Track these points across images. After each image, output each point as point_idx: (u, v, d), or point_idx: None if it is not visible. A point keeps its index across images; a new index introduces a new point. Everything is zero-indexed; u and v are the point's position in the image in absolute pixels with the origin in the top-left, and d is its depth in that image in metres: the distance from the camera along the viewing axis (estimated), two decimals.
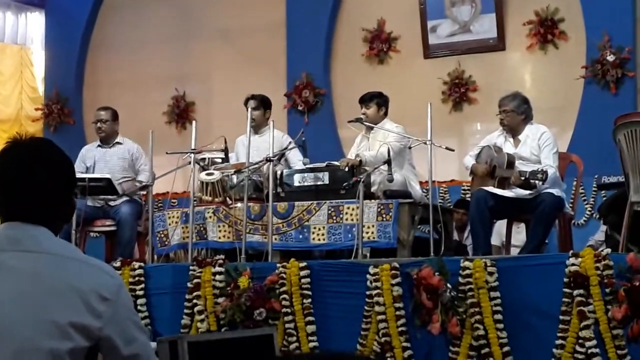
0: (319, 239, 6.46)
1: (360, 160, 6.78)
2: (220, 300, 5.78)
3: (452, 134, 9.75)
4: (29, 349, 2.10)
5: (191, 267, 5.98)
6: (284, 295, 5.65)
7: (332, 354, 1.35)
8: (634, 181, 5.80)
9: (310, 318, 5.62)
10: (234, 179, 6.79)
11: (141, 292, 6.08)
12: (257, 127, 7.43)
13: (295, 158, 7.26)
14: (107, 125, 7.60)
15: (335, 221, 6.41)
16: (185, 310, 5.94)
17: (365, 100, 7.18)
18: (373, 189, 6.59)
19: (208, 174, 6.84)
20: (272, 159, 6.44)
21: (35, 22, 12.18)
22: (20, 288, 2.16)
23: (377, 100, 7.15)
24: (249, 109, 7.25)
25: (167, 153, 7.07)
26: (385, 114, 7.18)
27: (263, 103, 7.55)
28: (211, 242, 6.72)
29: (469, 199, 7.50)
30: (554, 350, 5.02)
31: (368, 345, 5.42)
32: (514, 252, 7.04)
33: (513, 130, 6.55)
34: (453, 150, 6.74)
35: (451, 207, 8.64)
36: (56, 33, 11.98)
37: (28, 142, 2.30)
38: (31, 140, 2.33)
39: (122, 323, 2.24)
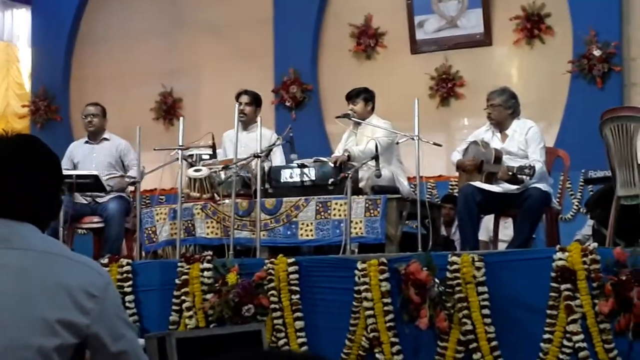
0: (307, 235, 6.46)
1: (349, 155, 6.79)
2: (208, 296, 5.77)
3: (439, 129, 9.77)
4: (17, 346, 2.09)
5: (179, 264, 5.96)
6: (272, 292, 5.65)
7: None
8: (620, 176, 5.83)
9: (299, 314, 5.62)
10: (222, 175, 6.78)
11: (129, 289, 6.06)
12: (247, 123, 7.41)
13: (278, 158, 7.24)
14: (97, 120, 7.60)
15: (323, 217, 6.41)
16: (174, 307, 5.92)
17: (352, 96, 7.18)
18: (361, 184, 6.59)
19: (196, 170, 6.84)
20: (259, 155, 6.44)
21: (21, 19, 12.14)
22: (8, 285, 2.15)
23: (364, 96, 7.15)
24: (240, 104, 7.24)
25: (154, 149, 7.06)
26: (373, 109, 7.19)
27: (255, 100, 7.54)
28: (199, 238, 6.72)
29: (456, 194, 7.52)
30: (542, 344, 5.04)
31: (356, 340, 5.42)
32: (502, 247, 7.06)
33: (500, 125, 6.56)
34: (440, 146, 6.75)
35: (439, 202, 8.66)
36: (42, 29, 11.94)
37: (14, 139, 2.30)
38: (17, 136, 2.32)
39: (109, 320, 2.24)
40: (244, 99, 7.44)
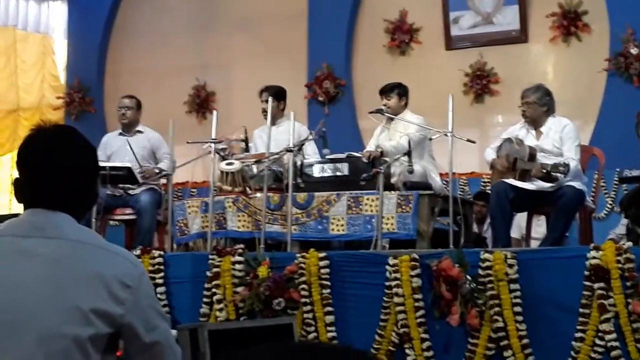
0: (338, 230, 6.45)
1: (382, 151, 6.77)
2: (239, 289, 5.78)
3: (473, 126, 9.72)
4: (52, 335, 2.11)
5: (210, 256, 5.98)
6: (303, 286, 5.65)
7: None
8: None
9: (329, 308, 5.62)
10: (254, 169, 6.79)
11: (161, 281, 6.09)
12: (273, 118, 7.40)
13: (311, 151, 7.24)
14: (131, 113, 7.64)
15: (354, 212, 6.40)
16: (205, 299, 5.94)
17: (385, 91, 7.17)
18: (393, 180, 6.58)
19: (228, 164, 6.85)
20: (292, 149, 6.44)
21: (57, 11, 12.24)
22: (44, 274, 2.17)
23: (398, 91, 7.14)
24: (263, 101, 7.24)
25: (187, 142, 7.09)
26: (406, 104, 7.18)
27: (276, 95, 7.47)
28: (230, 231, 6.73)
29: (488, 191, 7.48)
30: (574, 343, 5.00)
31: (386, 336, 5.42)
32: (534, 245, 7.02)
33: (535, 123, 6.52)
34: (474, 142, 6.72)
35: (471, 199, 8.62)
36: (78, 22, 12.02)
37: (52, 130, 2.32)
38: (55, 127, 2.34)
39: (143, 310, 2.25)
40: (264, 96, 7.41)
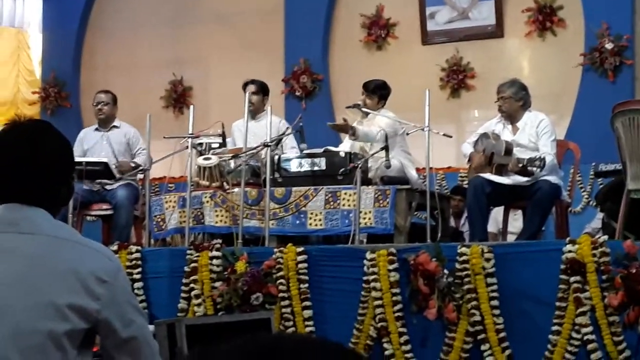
0: (316, 225, 6.45)
1: (353, 129, 6.78)
2: (217, 284, 5.78)
3: (449, 121, 9.75)
4: (27, 331, 2.10)
5: (188, 252, 5.97)
6: (281, 280, 5.65)
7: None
8: (631, 169, 5.81)
9: (307, 303, 5.63)
10: (231, 163, 6.78)
11: (138, 276, 6.08)
12: (255, 112, 7.40)
13: (289, 146, 7.23)
14: (108, 108, 7.60)
15: (332, 207, 6.41)
16: (182, 294, 5.94)
17: (369, 89, 7.12)
18: (370, 174, 6.59)
19: (205, 159, 6.84)
20: (269, 144, 6.43)
21: (33, 5, 12.14)
22: (19, 270, 2.16)
23: (381, 93, 7.11)
24: (248, 94, 7.23)
25: (164, 137, 7.06)
26: (383, 106, 7.16)
27: (262, 89, 7.52)
28: (208, 226, 6.72)
29: (465, 185, 7.51)
30: (550, 336, 5.03)
31: (364, 330, 5.43)
32: (511, 239, 7.05)
33: (511, 117, 6.55)
34: (451, 137, 6.74)
35: (448, 193, 8.64)
36: (54, 16, 11.94)
37: (27, 124, 2.30)
38: (30, 122, 2.33)
39: (120, 306, 2.24)
40: (251, 88, 7.41)
